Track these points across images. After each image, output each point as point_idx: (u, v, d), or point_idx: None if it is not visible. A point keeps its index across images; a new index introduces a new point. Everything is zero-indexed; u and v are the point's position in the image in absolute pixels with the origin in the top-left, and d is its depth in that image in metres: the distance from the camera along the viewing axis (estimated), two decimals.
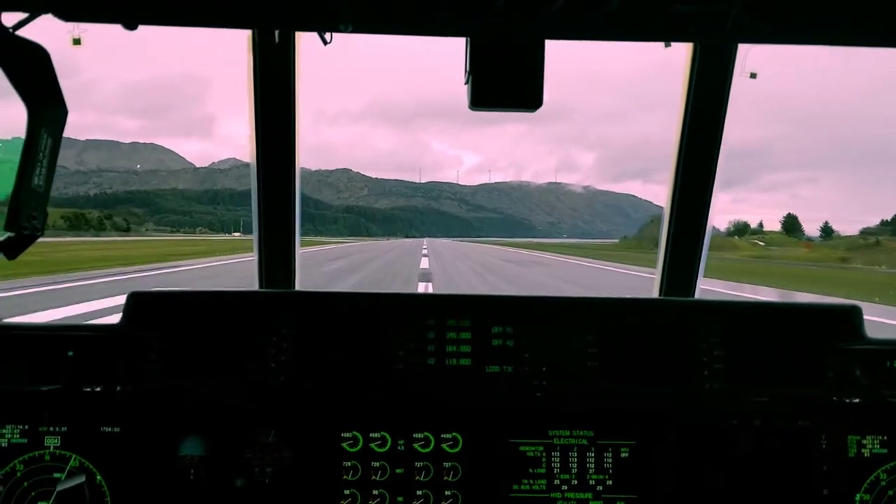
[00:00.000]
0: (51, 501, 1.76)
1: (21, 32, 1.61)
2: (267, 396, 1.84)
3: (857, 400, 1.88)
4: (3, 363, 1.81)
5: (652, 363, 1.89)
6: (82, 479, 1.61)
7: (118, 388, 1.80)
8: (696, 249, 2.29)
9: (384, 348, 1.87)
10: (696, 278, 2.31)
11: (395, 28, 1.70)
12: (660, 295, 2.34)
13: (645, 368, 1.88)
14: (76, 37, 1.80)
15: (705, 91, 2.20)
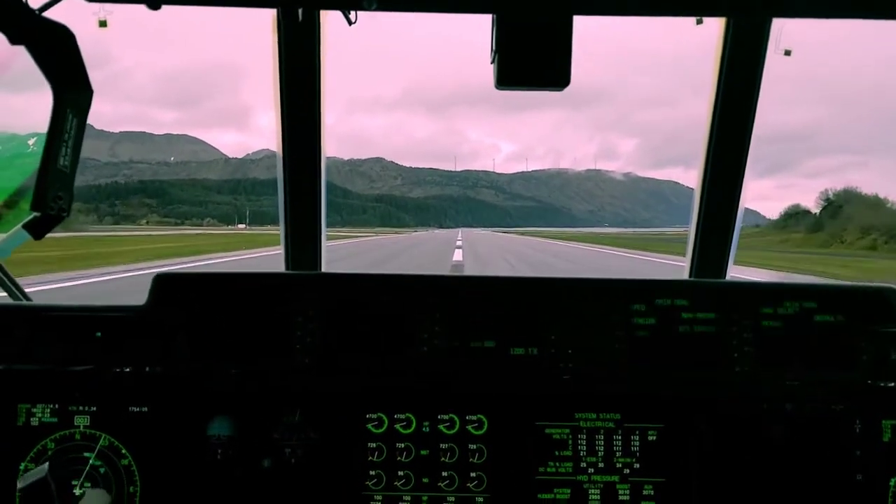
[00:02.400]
0: (81, 479, 1.80)
1: (47, 14, 1.62)
2: (293, 377, 1.84)
3: (892, 384, 1.83)
4: (32, 344, 1.84)
5: (681, 346, 1.85)
6: (44, 472, 1.52)
7: (146, 369, 1.83)
8: (729, 230, 2.24)
9: (409, 330, 1.86)
10: (728, 260, 2.26)
11: (420, 5, 1.68)
12: (690, 277, 2.30)
13: (674, 351, 1.85)
14: (102, 19, 1.81)
15: (738, 68, 2.15)
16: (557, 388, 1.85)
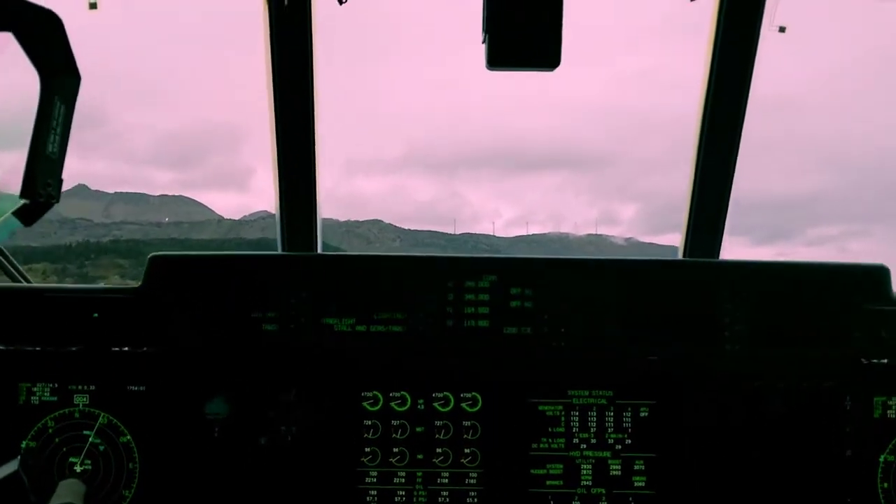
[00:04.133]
0: (81, 456, 1.82)
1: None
2: (288, 357, 1.87)
3: (883, 361, 1.85)
4: (32, 325, 1.87)
5: (673, 324, 1.88)
6: (15, 468, 1.51)
7: (144, 349, 1.85)
8: (721, 210, 2.24)
9: (404, 310, 1.89)
10: (721, 239, 2.27)
11: None
12: (684, 256, 2.31)
13: (666, 329, 1.88)
14: (92, 0, 1.82)
15: (732, 45, 2.11)
16: (550, 367, 1.88)
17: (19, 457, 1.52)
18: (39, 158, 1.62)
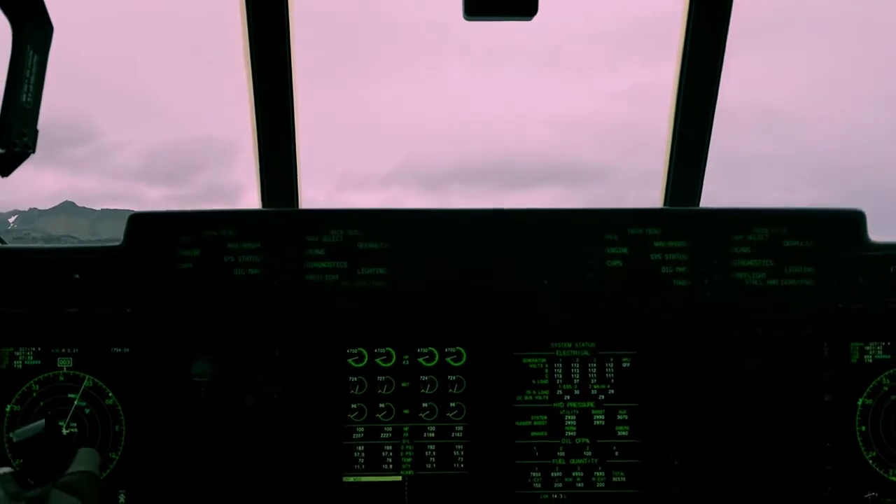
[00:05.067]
0: (67, 419, 1.82)
1: None
2: (272, 315, 1.88)
3: (860, 307, 1.88)
4: (11, 287, 1.86)
5: (653, 274, 1.90)
6: (41, 428, 1.49)
7: (127, 310, 1.85)
8: (701, 158, 2.26)
9: (388, 265, 1.89)
10: (701, 187, 2.30)
11: None
12: (664, 205, 2.33)
13: (646, 279, 1.90)
14: None
15: (700, 49, 2.17)
16: (534, 320, 1.90)
17: (44, 420, 1.49)
18: (13, 108, 1.63)
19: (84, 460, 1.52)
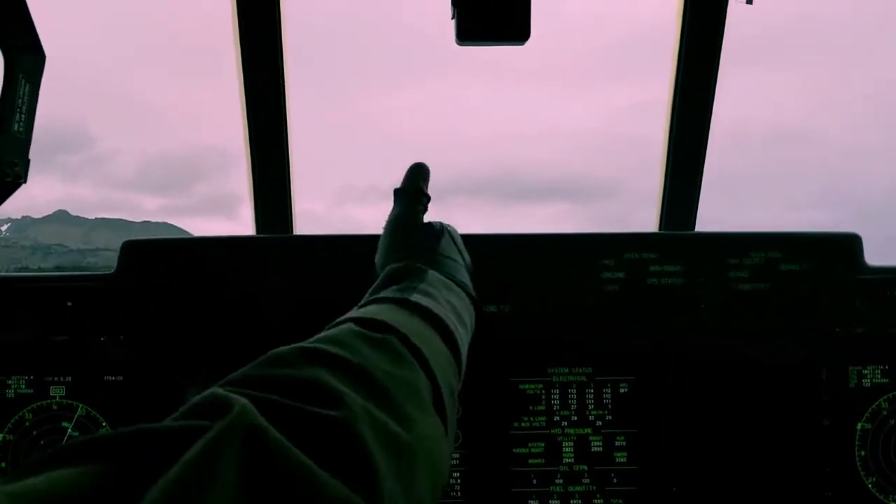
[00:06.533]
0: None
1: None
2: (267, 342, 1.85)
3: (858, 331, 1.88)
4: (3, 315, 1.84)
5: (650, 298, 1.89)
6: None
7: (120, 338, 1.83)
8: (696, 183, 2.25)
9: None
10: (696, 212, 2.28)
11: None
12: (660, 228, 2.31)
13: (643, 304, 1.89)
14: None
15: (700, 20, 2.12)
16: (530, 345, 1.88)
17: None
18: (5, 138, 1.62)
19: None
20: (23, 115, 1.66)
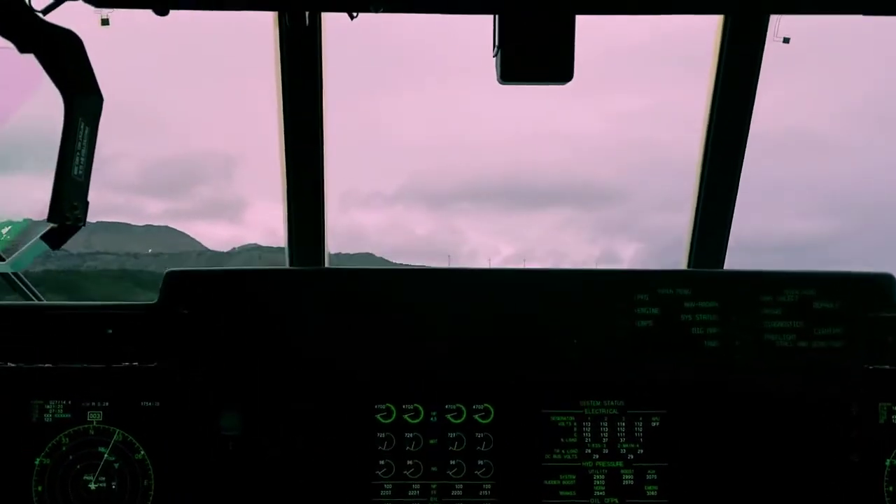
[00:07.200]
0: (96, 473, 1.81)
1: (50, 18, 1.60)
2: (301, 371, 1.88)
3: (888, 367, 1.90)
4: (45, 342, 1.86)
5: (683, 334, 1.90)
6: None
7: (156, 364, 1.86)
8: (726, 222, 2.28)
9: (414, 324, 1.90)
10: (725, 250, 2.31)
11: (423, 6, 1.73)
12: (689, 267, 2.34)
13: (676, 339, 1.90)
14: (104, 17, 1.77)
15: (736, 60, 2.18)
16: (563, 377, 1.90)
17: None
18: (66, 181, 1.64)
19: None
20: (82, 159, 1.69)
